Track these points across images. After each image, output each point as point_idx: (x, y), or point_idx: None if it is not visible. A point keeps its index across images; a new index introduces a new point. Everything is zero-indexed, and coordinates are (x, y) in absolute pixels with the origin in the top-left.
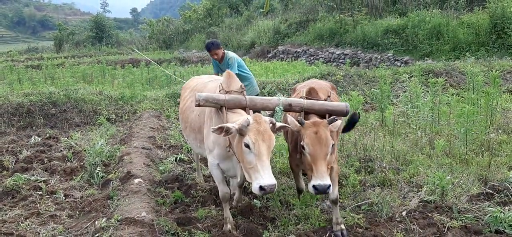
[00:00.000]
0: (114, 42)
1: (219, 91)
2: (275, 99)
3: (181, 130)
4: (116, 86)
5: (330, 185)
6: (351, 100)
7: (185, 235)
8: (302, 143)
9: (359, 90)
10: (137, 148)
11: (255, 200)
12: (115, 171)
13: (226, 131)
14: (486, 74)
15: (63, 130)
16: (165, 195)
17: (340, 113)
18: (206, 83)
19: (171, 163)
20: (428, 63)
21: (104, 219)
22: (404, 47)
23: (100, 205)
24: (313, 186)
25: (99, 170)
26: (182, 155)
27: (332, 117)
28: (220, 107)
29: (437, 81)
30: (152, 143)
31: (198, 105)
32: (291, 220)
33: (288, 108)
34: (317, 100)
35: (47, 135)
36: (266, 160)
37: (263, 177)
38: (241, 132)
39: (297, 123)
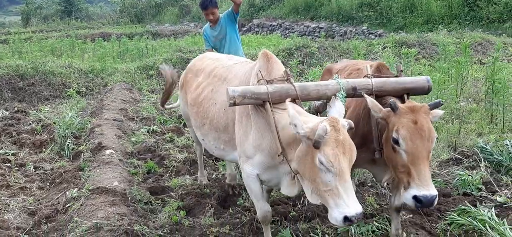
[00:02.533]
0: (84, 16)
1: (258, 80)
2: (333, 82)
3: (184, 126)
4: (86, 60)
5: (436, 196)
6: None
7: (158, 203)
8: (394, 135)
9: (334, 61)
10: (108, 120)
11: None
12: (86, 143)
13: (293, 125)
14: (457, 45)
15: (31, 104)
16: (138, 165)
17: (421, 91)
18: (231, 67)
19: (144, 134)
20: (401, 35)
21: (75, 189)
22: (378, 20)
23: (71, 176)
24: (415, 196)
25: (69, 142)
26: (155, 126)
27: (437, 100)
28: (263, 102)
29: (409, 51)
30: (123, 115)
31: (234, 104)
32: None
33: (352, 93)
34: (388, 77)
35: (15, 109)
36: (348, 180)
37: (348, 204)
38: (317, 143)
39: (381, 107)
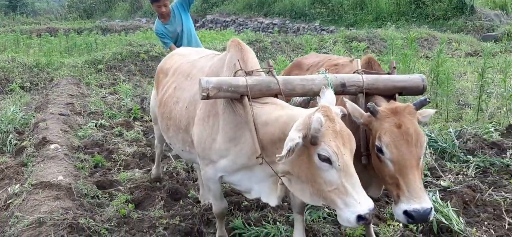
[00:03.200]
0: (30, 11)
1: (235, 72)
2: (320, 77)
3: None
4: (31, 55)
5: (432, 209)
6: (278, 65)
7: (105, 197)
8: (377, 143)
9: (287, 56)
10: (54, 115)
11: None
12: (30, 138)
13: (293, 151)
14: (405, 40)
15: None
16: (85, 159)
17: (415, 91)
18: (195, 61)
19: (91, 128)
20: (352, 31)
21: (18, 185)
22: (330, 17)
23: (13, 172)
24: (406, 212)
25: (12, 138)
26: (103, 120)
27: (423, 98)
28: (240, 97)
29: (359, 45)
30: (70, 109)
31: (207, 97)
32: None
33: (340, 90)
34: (379, 73)
35: None
36: (354, 173)
37: (359, 200)
38: (314, 138)
39: (362, 112)
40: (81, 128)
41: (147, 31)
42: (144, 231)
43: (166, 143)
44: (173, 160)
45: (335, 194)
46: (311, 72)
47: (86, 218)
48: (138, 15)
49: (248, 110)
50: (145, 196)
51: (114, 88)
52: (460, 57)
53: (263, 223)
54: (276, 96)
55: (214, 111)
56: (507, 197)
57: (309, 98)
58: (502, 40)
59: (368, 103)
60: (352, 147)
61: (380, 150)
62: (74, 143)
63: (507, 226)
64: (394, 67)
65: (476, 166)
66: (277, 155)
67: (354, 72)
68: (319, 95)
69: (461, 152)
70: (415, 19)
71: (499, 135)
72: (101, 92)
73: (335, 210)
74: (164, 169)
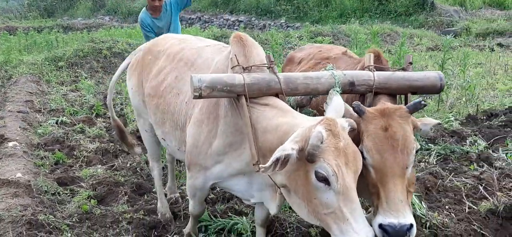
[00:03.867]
0: None
1: (233, 67)
2: (326, 75)
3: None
4: None
5: (412, 225)
6: None
7: (66, 194)
8: (360, 146)
9: None
10: (12, 112)
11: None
12: None
13: (284, 163)
14: (368, 35)
15: None
16: (45, 157)
17: (431, 90)
18: (201, 49)
19: (52, 125)
20: (317, 27)
21: None
22: (295, 14)
23: None
24: (381, 225)
25: None
26: (64, 117)
27: (417, 100)
28: (237, 96)
29: (323, 40)
30: (29, 107)
31: (199, 97)
32: None
33: (349, 89)
34: (388, 69)
35: None
36: (355, 198)
37: (357, 230)
38: (311, 156)
39: (352, 112)
40: (41, 125)
41: (111, 29)
42: (107, 226)
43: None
44: (138, 155)
45: (331, 218)
46: (303, 66)
47: (45, 214)
48: (101, 13)
49: (245, 112)
50: (108, 191)
51: (76, 85)
52: (421, 51)
53: (229, 214)
54: (276, 95)
55: (215, 113)
56: (467, 183)
57: (311, 96)
58: (461, 34)
59: (353, 102)
60: (357, 168)
61: (362, 154)
62: (34, 141)
63: (467, 209)
64: (410, 63)
65: (437, 154)
66: (261, 166)
67: (364, 68)
68: (326, 102)
69: (423, 141)
70: (378, 16)
71: (459, 124)
72: (62, 89)
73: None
74: (127, 165)
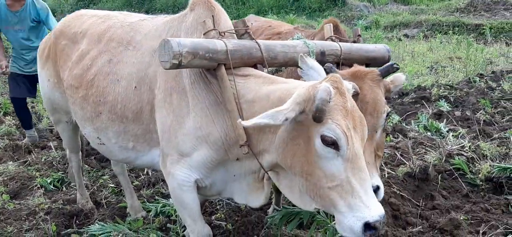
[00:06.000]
0: None
1: (205, 32)
2: (300, 44)
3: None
4: None
5: (379, 187)
6: None
7: None
8: None
9: None
10: None
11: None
12: None
13: (284, 120)
14: None
15: None
16: None
17: (382, 61)
18: (136, 24)
19: None
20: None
21: None
22: None
23: None
24: None
25: None
26: None
27: (389, 63)
28: (216, 66)
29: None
30: None
31: (178, 65)
32: None
33: (320, 59)
34: (347, 40)
35: None
36: (364, 168)
37: (368, 204)
38: (319, 112)
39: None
40: None
41: None
42: (23, 219)
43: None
44: (54, 149)
45: (337, 193)
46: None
47: None
48: None
49: (227, 84)
50: (22, 186)
51: None
52: None
53: (156, 198)
54: (255, 66)
55: (179, 87)
56: (385, 152)
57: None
58: (371, 27)
59: (326, 64)
60: (364, 135)
61: None
62: None
63: (386, 175)
64: (359, 35)
65: None
66: (240, 121)
67: (326, 39)
68: (299, 67)
69: None
70: (293, 12)
71: None
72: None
73: (334, 216)
74: (42, 160)
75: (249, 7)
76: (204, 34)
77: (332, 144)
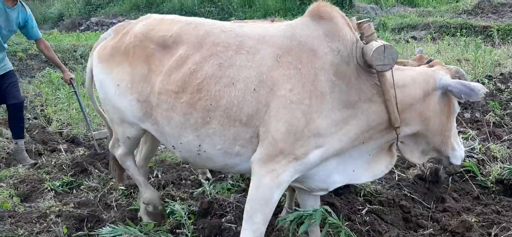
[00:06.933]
0: None
1: (369, 35)
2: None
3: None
4: None
5: None
6: None
7: None
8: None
9: None
10: None
11: None
12: None
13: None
14: None
15: None
16: None
17: None
18: (240, 29)
19: None
20: None
21: None
22: (220, 15)
23: None
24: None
25: None
26: None
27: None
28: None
29: None
30: None
31: (390, 68)
32: None
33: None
34: None
35: None
36: None
37: (458, 142)
38: (462, 76)
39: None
40: None
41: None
42: (33, 222)
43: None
44: (63, 152)
45: (453, 136)
46: None
47: None
48: None
49: (388, 76)
50: (32, 189)
51: None
52: None
53: (166, 200)
54: None
55: (317, 91)
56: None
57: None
58: (378, 29)
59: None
60: None
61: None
62: None
63: (397, 177)
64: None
65: None
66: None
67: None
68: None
69: None
70: (300, 15)
71: None
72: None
73: (442, 156)
74: (52, 163)
75: (256, 10)
76: (365, 38)
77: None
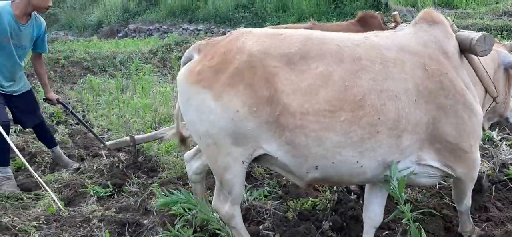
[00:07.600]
0: None
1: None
2: None
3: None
4: None
5: None
6: None
7: (30, 199)
8: None
9: None
10: None
11: None
12: None
13: None
14: None
15: None
16: None
17: None
18: (373, 42)
19: (10, 134)
20: None
21: None
22: (254, 20)
23: None
24: None
25: None
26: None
27: None
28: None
29: None
30: None
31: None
32: None
33: None
34: None
35: None
36: None
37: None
38: None
39: None
40: None
41: (66, 43)
42: (77, 226)
43: None
44: (105, 157)
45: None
46: None
47: (10, 217)
48: (54, 28)
49: (475, 58)
50: (76, 194)
51: None
52: None
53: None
54: None
55: (466, 85)
56: None
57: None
58: None
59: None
60: None
61: None
62: None
63: (437, 186)
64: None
65: None
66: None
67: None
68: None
69: None
70: (335, 18)
71: None
72: None
73: (503, 119)
74: (94, 168)
75: (290, 15)
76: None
77: None
